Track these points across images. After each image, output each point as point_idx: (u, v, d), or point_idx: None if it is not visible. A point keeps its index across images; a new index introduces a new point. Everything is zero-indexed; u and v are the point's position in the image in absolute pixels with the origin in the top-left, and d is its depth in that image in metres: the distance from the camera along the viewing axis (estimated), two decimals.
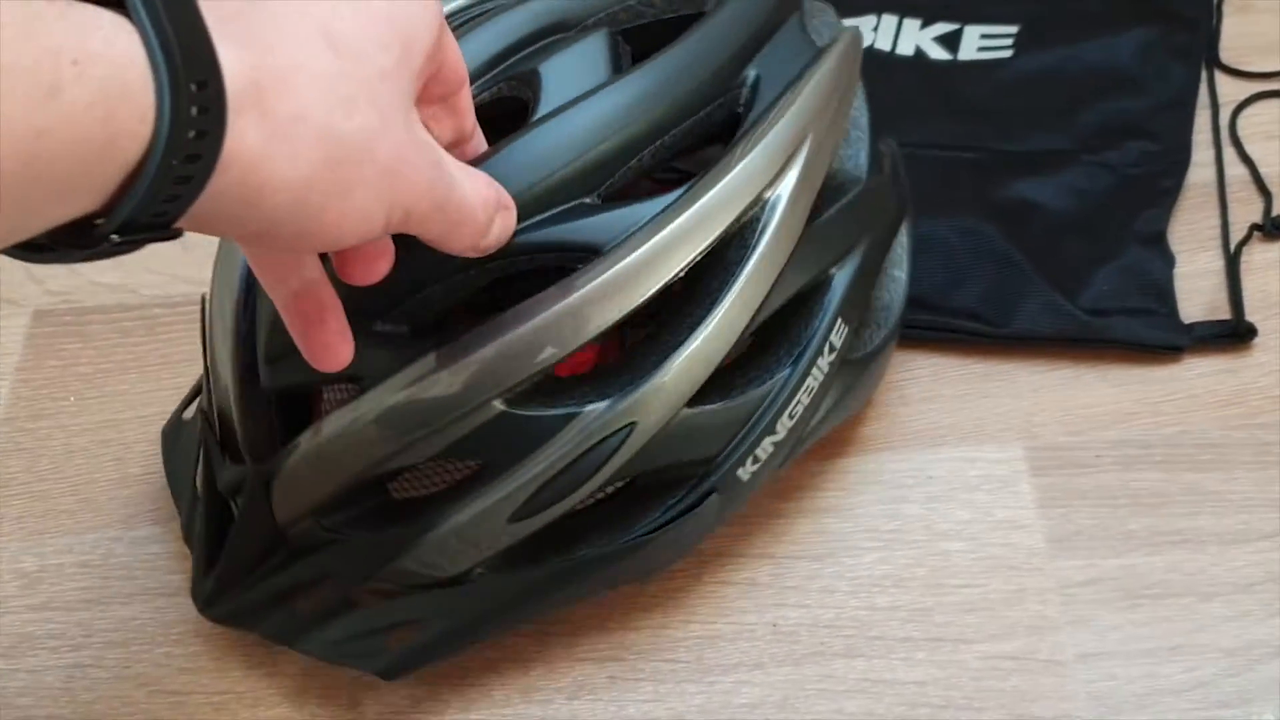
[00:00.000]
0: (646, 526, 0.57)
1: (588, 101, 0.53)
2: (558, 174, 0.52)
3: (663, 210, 0.53)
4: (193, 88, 0.35)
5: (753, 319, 0.55)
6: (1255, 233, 0.74)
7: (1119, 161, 0.77)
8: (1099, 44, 0.82)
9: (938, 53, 0.83)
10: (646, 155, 0.54)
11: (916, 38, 0.84)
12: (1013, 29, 0.83)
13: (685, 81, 0.55)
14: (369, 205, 0.41)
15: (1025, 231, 0.74)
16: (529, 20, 0.58)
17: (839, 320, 0.58)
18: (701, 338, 0.54)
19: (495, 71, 0.57)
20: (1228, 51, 0.83)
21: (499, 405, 0.53)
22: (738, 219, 0.54)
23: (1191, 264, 0.74)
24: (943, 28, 0.84)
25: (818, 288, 0.58)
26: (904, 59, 0.83)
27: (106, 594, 0.67)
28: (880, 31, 0.85)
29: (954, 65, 0.82)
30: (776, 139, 0.55)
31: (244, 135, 0.36)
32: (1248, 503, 0.65)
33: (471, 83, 0.52)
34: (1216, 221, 0.76)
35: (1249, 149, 0.79)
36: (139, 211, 0.36)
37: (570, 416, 0.53)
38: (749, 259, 0.54)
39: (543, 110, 0.54)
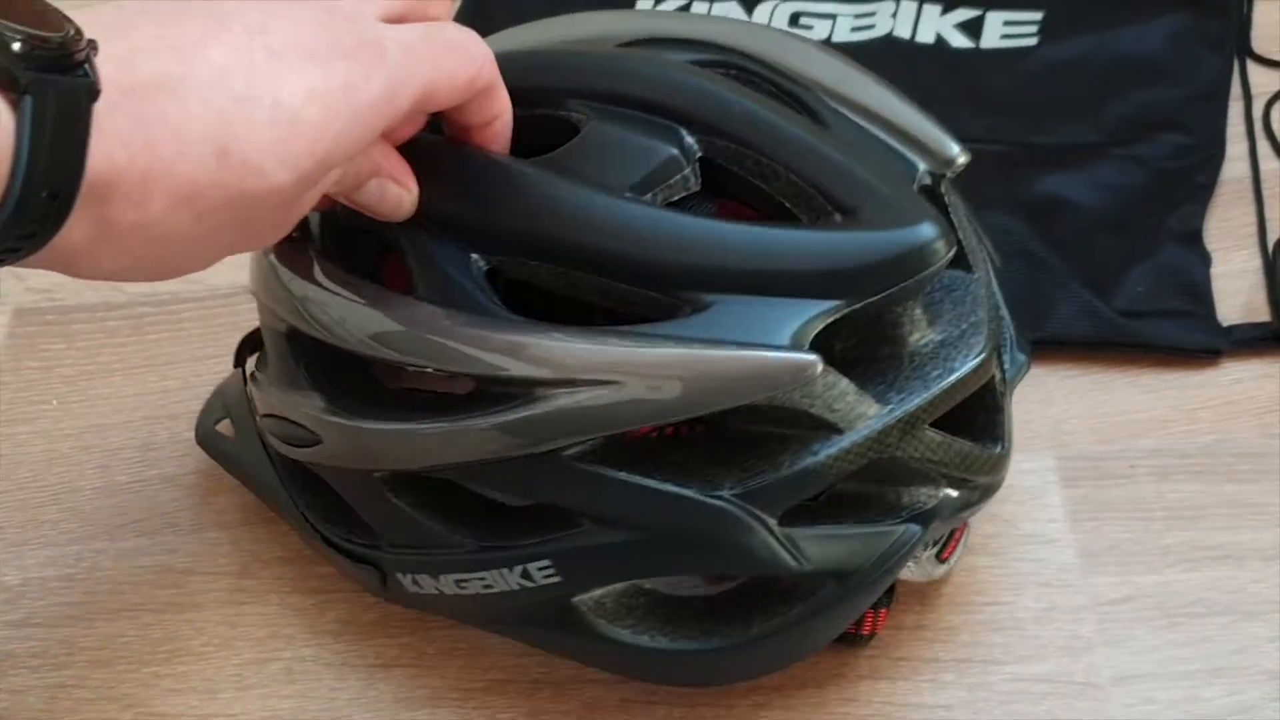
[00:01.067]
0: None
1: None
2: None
3: None
4: (44, 194, 0.37)
5: None
6: None
7: (1151, 155, 0.74)
8: (1127, 32, 0.79)
9: (959, 40, 0.80)
10: None
11: (937, 24, 0.81)
12: (1037, 16, 0.80)
13: None
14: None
15: (1055, 229, 0.71)
16: None
17: None
18: None
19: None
20: (1259, 41, 0.80)
21: None
22: None
23: (1227, 263, 0.71)
24: (964, 14, 0.81)
25: None
26: (924, 47, 0.80)
27: (91, 610, 0.64)
28: (899, 18, 0.81)
29: (977, 54, 0.79)
30: None
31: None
32: None
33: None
34: (1252, 218, 0.73)
35: None
36: None
37: None
38: None
39: None
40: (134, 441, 0.70)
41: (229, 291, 0.74)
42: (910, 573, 0.56)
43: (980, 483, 0.54)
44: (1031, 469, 0.64)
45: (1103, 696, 0.58)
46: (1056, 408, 0.66)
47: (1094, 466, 0.64)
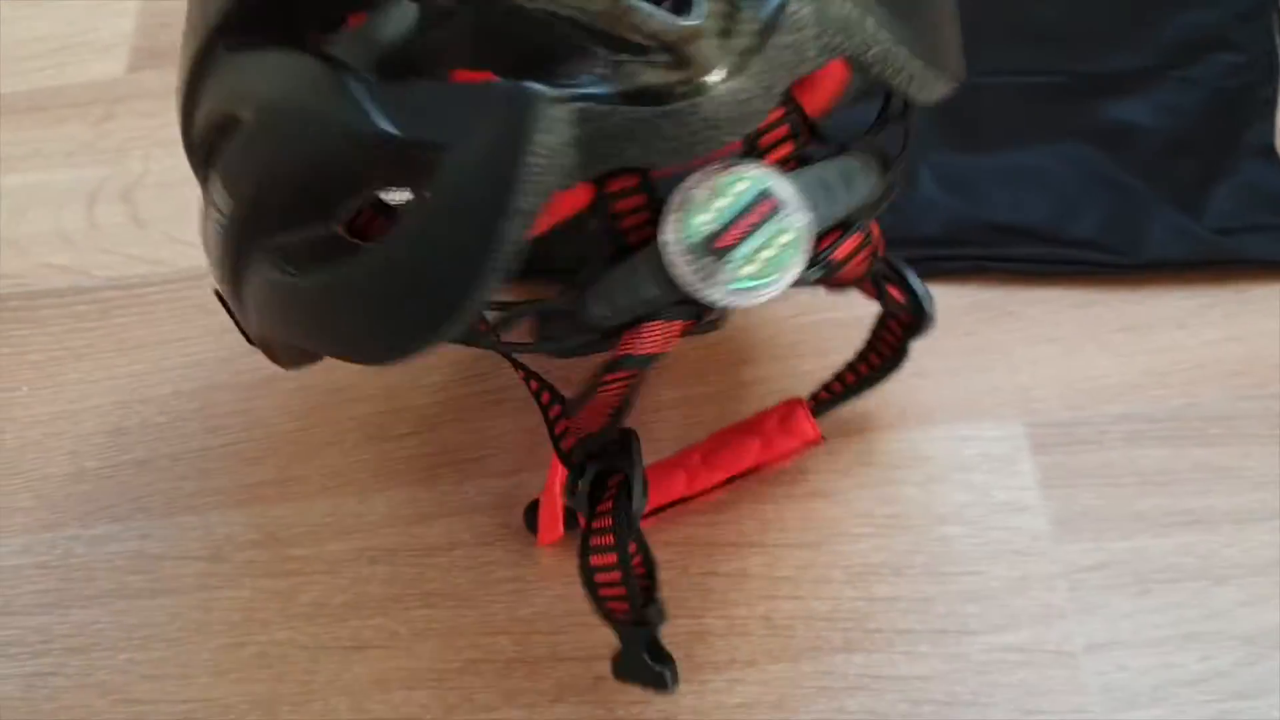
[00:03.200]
0: None
1: None
2: None
3: None
4: None
5: None
6: None
7: (1205, 75, 0.73)
8: None
9: None
10: None
11: None
12: None
13: None
14: None
15: (1131, 154, 0.71)
16: None
17: None
18: None
19: None
20: None
21: None
22: None
23: None
24: None
25: None
26: None
27: (66, 597, 0.64)
28: None
29: None
30: None
31: None
32: (1262, 480, 0.62)
33: None
34: None
35: None
36: None
37: None
38: None
39: None
40: (105, 426, 0.70)
41: (197, 274, 0.73)
42: (682, 264, 0.45)
43: (657, 60, 0.43)
44: (1001, 437, 0.64)
45: (1076, 665, 0.58)
46: (1024, 375, 0.66)
47: (1064, 433, 0.64)
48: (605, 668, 0.59)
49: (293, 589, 0.63)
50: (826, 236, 0.48)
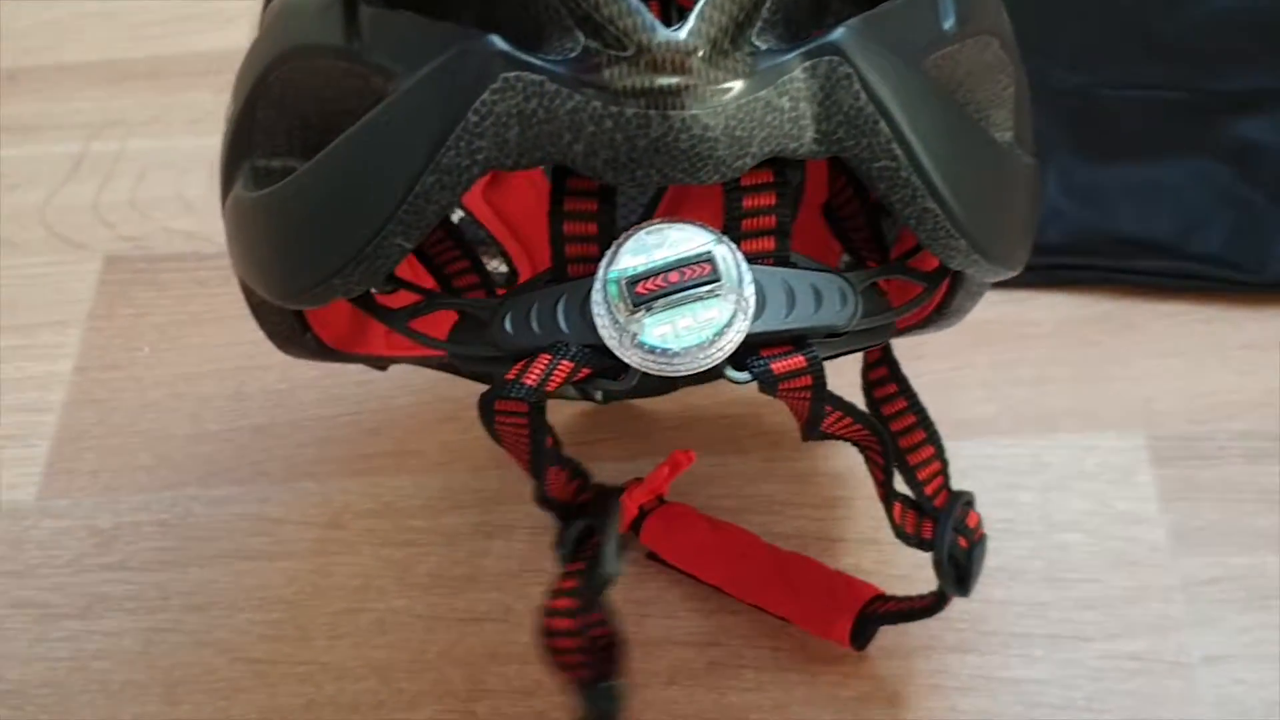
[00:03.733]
0: None
1: None
2: None
3: None
4: None
5: None
6: None
7: None
8: None
9: None
10: None
11: None
12: None
13: None
14: None
15: (1259, 173, 0.71)
16: None
17: None
18: None
19: None
20: None
21: None
22: None
23: None
24: None
25: None
26: None
27: (185, 556, 0.65)
28: None
29: (1143, 2, 0.78)
30: None
31: None
32: None
33: None
34: None
35: None
36: None
37: None
38: None
39: None
40: (225, 391, 0.70)
41: None
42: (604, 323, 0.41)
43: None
44: (1122, 448, 0.64)
45: (1192, 676, 0.58)
46: (1147, 387, 0.66)
47: (1185, 447, 0.64)
48: (719, 654, 0.60)
49: (410, 559, 0.64)
50: (772, 347, 0.42)
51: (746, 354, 0.42)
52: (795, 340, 0.42)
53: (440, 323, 0.47)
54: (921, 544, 0.53)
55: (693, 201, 0.60)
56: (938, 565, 0.52)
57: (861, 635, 0.57)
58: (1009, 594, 0.61)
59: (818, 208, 0.54)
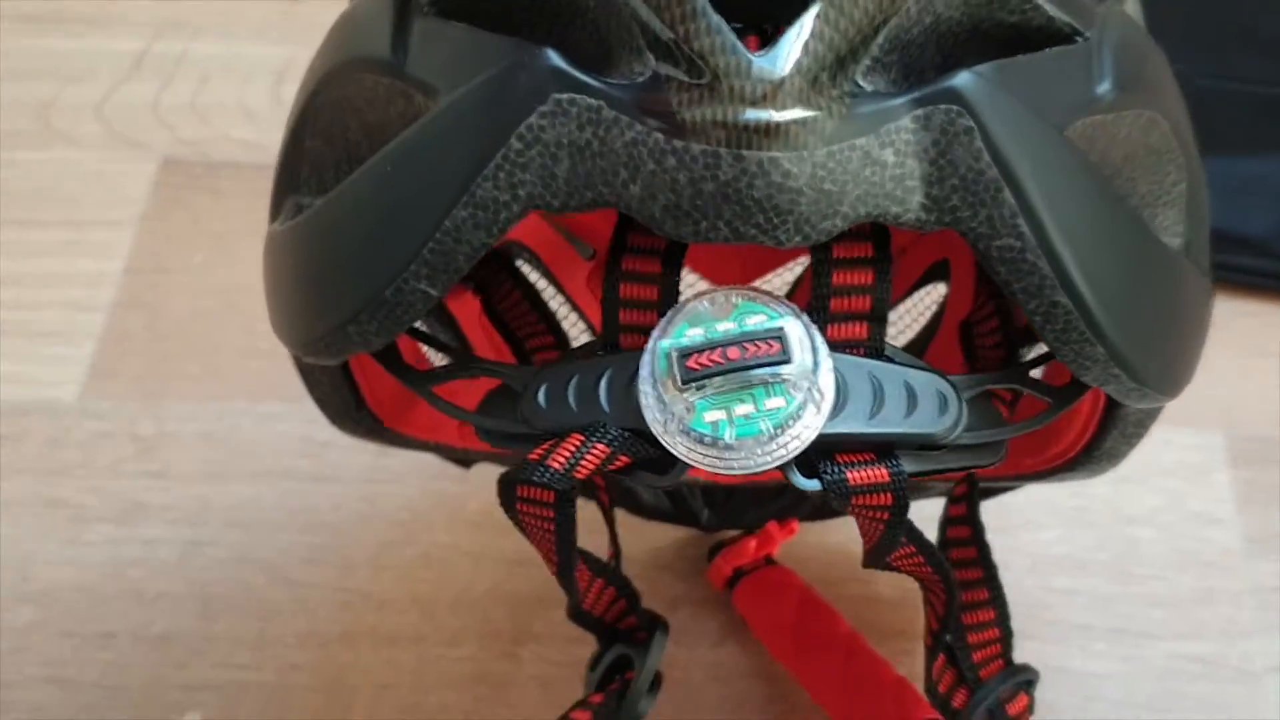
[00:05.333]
0: None
1: None
2: None
3: None
4: None
5: None
6: None
7: None
8: None
9: None
10: None
11: None
12: None
13: None
14: None
15: None
16: None
17: None
18: None
19: None
20: None
21: None
22: None
23: None
24: None
25: None
26: None
27: (229, 470, 0.63)
28: None
29: None
30: None
31: None
32: None
33: None
34: None
35: None
36: None
37: None
38: None
39: None
40: None
41: None
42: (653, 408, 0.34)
43: None
44: (1200, 445, 0.63)
45: (1257, 684, 0.56)
46: (1228, 387, 0.64)
47: (1265, 449, 0.63)
48: None
49: (461, 495, 0.62)
50: (848, 453, 0.35)
51: (818, 458, 0.34)
52: (879, 449, 0.35)
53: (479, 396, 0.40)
54: (946, 710, 0.48)
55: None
56: None
57: None
58: (1074, 584, 0.59)
59: (955, 328, 0.49)
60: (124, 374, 0.66)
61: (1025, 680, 0.48)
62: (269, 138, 0.74)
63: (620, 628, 0.44)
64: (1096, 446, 0.44)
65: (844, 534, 0.61)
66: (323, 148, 0.39)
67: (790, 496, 0.58)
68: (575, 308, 0.53)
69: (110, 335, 0.67)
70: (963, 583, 0.48)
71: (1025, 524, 0.60)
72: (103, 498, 0.62)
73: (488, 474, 0.60)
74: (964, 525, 0.49)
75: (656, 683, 0.43)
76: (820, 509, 0.59)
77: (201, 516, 0.62)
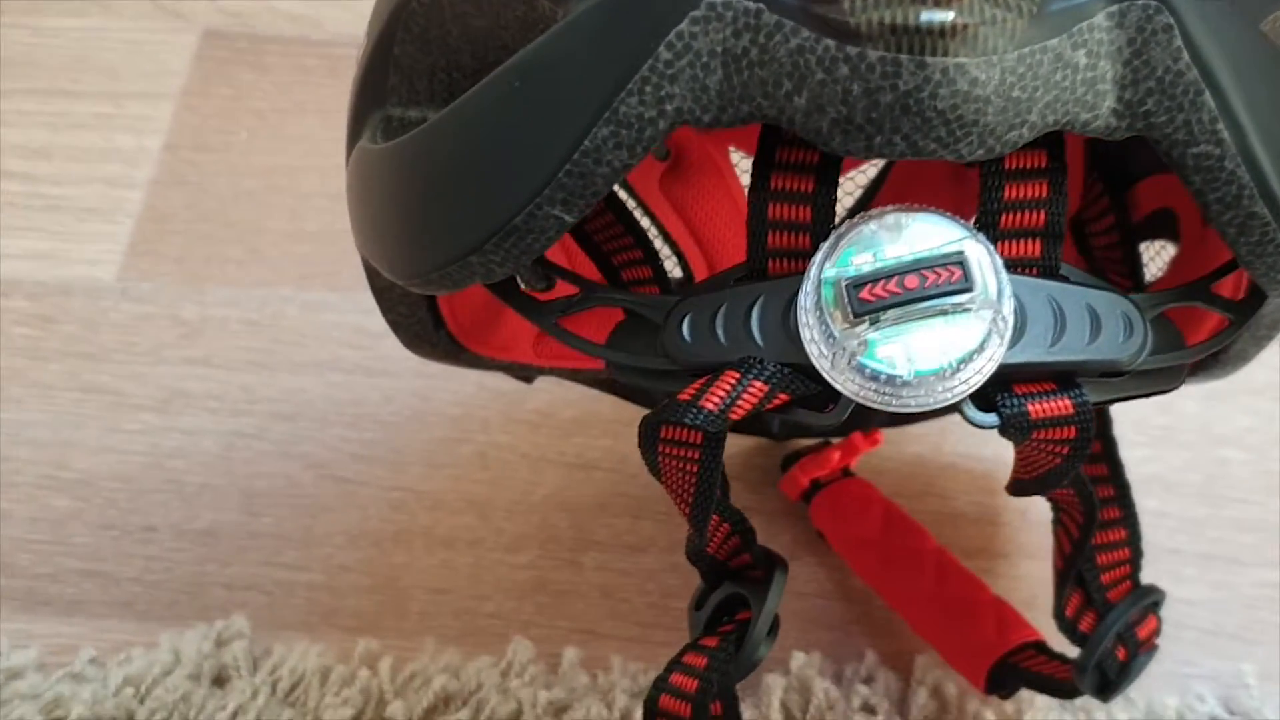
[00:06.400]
0: None
1: None
2: None
3: None
4: None
5: None
6: None
7: None
8: None
9: None
10: None
11: None
12: None
13: None
14: None
15: None
16: None
17: None
18: None
19: None
20: None
21: None
22: None
23: None
24: None
25: None
26: None
27: (274, 359, 0.60)
28: None
29: None
30: None
31: None
32: None
33: None
34: None
35: None
36: None
37: None
38: None
39: None
40: (326, 190, 0.65)
41: None
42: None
43: None
44: None
45: None
46: None
47: None
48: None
49: (519, 393, 0.59)
50: (1027, 384, 0.33)
51: (995, 389, 0.32)
52: (1059, 378, 0.33)
53: (601, 325, 0.37)
54: (1073, 635, 0.45)
55: (921, 191, 0.48)
56: (1079, 670, 0.45)
57: (999, 684, 0.49)
58: (1162, 505, 0.56)
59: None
60: (164, 254, 0.63)
61: (1154, 601, 0.46)
62: (317, 10, 0.71)
63: (732, 566, 0.41)
64: (1226, 350, 0.41)
65: (921, 445, 0.58)
66: (416, 55, 0.36)
67: None
68: (648, 212, 0.50)
69: (150, 214, 0.64)
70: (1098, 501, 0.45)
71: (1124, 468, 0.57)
72: (143, 384, 0.59)
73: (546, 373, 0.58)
74: (1096, 440, 0.46)
75: (775, 626, 0.39)
76: (901, 416, 0.56)
77: (245, 407, 0.59)
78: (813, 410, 0.33)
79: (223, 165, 0.66)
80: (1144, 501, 0.56)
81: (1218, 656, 0.53)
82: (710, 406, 0.32)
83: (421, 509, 0.56)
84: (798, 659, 0.52)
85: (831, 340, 0.31)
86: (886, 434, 0.57)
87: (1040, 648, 0.49)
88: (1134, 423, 0.58)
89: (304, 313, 0.61)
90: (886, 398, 0.31)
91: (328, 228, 0.64)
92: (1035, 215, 0.32)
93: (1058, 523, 0.44)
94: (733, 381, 0.32)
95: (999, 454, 0.56)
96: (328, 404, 0.59)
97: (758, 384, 0.32)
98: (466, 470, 0.57)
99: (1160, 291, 0.35)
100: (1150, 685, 0.52)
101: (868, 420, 0.55)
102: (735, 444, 0.57)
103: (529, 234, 0.32)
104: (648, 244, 0.43)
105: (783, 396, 0.32)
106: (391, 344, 0.60)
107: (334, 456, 0.58)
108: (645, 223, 0.49)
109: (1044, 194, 0.32)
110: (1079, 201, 0.46)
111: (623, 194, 0.47)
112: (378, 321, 0.59)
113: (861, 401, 0.31)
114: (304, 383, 0.59)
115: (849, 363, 0.31)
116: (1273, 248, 0.32)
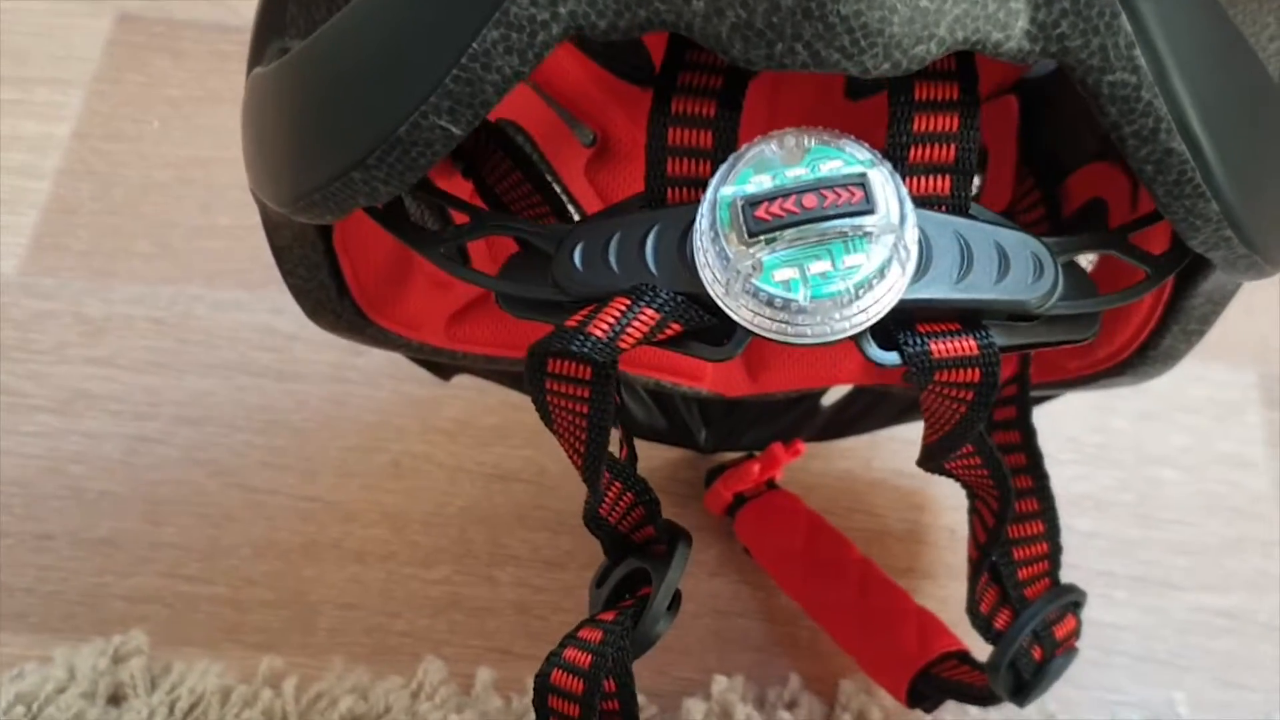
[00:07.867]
0: None
1: None
2: None
3: None
4: None
5: None
6: None
7: None
8: None
9: None
10: None
11: None
12: None
13: None
14: None
15: None
16: None
17: None
18: None
19: None
20: None
21: None
22: None
23: None
24: None
25: None
26: None
27: (181, 360, 0.58)
28: None
29: None
30: None
31: None
32: None
33: None
34: None
35: None
36: None
37: None
38: None
39: None
40: (241, 182, 0.61)
41: None
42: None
43: None
44: (1232, 383, 0.59)
45: None
46: (1265, 323, 0.60)
47: None
48: None
49: (436, 401, 0.57)
50: (930, 322, 0.31)
51: (896, 327, 0.31)
52: (965, 318, 0.31)
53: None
54: (988, 633, 0.43)
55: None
56: (991, 669, 0.43)
57: (921, 696, 0.48)
58: (1094, 526, 0.55)
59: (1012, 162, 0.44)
60: (70, 249, 0.61)
61: (1073, 601, 0.44)
62: None
63: (635, 539, 0.39)
64: (1154, 344, 0.40)
65: (851, 461, 0.56)
66: None
67: (796, 414, 0.54)
68: (571, 199, 0.48)
69: (56, 206, 0.62)
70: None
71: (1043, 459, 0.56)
72: (43, 384, 0.57)
73: (465, 379, 0.56)
74: (1014, 429, 0.45)
75: (676, 601, 0.37)
76: (827, 428, 0.54)
77: (150, 410, 0.56)
78: (709, 345, 0.31)
79: (133, 155, 0.63)
80: (1075, 522, 0.55)
81: (1148, 684, 0.52)
82: (598, 333, 0.30)
83: (332, 520, 0.54)
84: (719, 683, 0.50)
85: (726, 263, 0.29)
86: (815, 449, 0.55)
87: (963, 658, 0.47)
88: (1066, 440, 0.57)
89: (214, 312, 0.59)
90: (782, 325, 0.29)
91: (241, 222, 0.61)
92: (945, 149, 0.31)
93: (973, 510, 0.43)
94: (622, 308, 0.30)
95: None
96: (236, 408, 0.57)
97: (649, 311, 0.30)
98: (380, 480, 0.55)
99: (1075, 237, 0.34)
100: (1077, 712, 0.51)
101: (737, 430, 0.54)
102: (660, 457, 0.56)
103: (413, 147, 0.30)
104: (543, 182, 0.41)
105: (675, 326, 0.31)
106: (304, 347, 0.58)
107: (242, 464, 0.55)
108: (570, 209, 0.47)
109: (954, 127, 0.31)
110: (1010, 196, 0.45)
111: (548, 178, 0.46)
112: (291, 323, 0.58)
113: (757, 331, 0.30)
114: (212, 385, 0.57)
115: (743, 286, 0.29)
116: (1190, 188, 0.30)
